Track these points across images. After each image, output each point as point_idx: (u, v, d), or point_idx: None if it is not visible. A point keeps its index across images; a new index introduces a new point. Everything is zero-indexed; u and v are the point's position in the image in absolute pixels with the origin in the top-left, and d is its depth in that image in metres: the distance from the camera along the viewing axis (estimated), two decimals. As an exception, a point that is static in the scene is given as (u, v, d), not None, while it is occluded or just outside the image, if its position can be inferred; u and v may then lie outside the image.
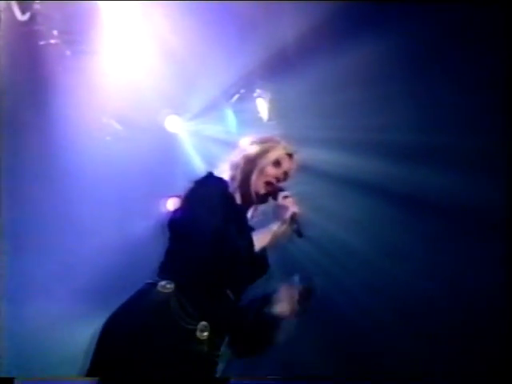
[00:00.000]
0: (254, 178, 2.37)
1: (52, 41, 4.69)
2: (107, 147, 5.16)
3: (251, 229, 2.38)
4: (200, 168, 4.98)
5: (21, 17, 4.41)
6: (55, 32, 4.68)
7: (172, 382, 2.10)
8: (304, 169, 2.54)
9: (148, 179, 5.24)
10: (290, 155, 2.46)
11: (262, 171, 2.38)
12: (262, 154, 2.41)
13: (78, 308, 4.82)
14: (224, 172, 2.43)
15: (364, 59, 4.56)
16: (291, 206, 2.32)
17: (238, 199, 2.40)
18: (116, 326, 2.16)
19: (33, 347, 4.57)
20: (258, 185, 2.38)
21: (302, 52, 4.78)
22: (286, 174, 2.44)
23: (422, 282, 4.87)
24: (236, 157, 2.46)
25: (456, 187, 4.63)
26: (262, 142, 2.47)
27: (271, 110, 5.37)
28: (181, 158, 5.56)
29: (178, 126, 5.60)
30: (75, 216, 5.09)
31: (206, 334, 2.15)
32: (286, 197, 2.36)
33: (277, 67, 4.96)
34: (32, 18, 4.51)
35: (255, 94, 5.42)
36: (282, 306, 2.29)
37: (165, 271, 2.23)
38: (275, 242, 2.32)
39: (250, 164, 2.40)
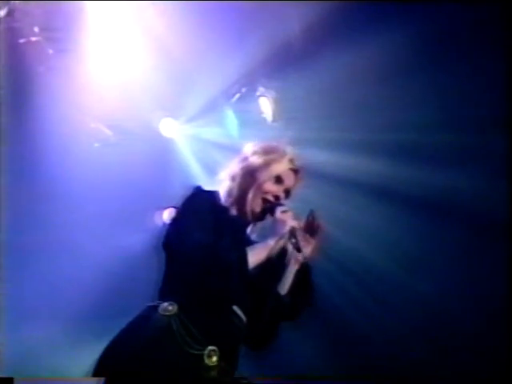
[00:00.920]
0: (250, 195, 2.31)
1: (33, 38, 4.57)
2: (96, 155, 5.08)
3: (249, 241, 2.36)
4: (199, 176, 5.15)
5: (-3, 13, 4.41)
6: (36, 29, 4.56)
7: None
8: (311, 172, 2.51)
9: (141, 189, 5.17)
10: (295, 171, 2.39)
11: (260, 187, 2.32)
12: (262, 167, 2.35)
13: (70, 332, 4.79)
14: (223, 181, 2.40)
15: (375, 55, 4.49)
16: (289, 221, 2.28)
17: (235, 211, 2.37)
18: (117, 356, 2.10)
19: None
20: (254, 202, 2.32)
21: (308, 46, 4.65)
22: (287, 192, 2.37)
23: (421, 282, 4.83)
24: (235, 166, 2.40)
25: (456, 187, 4.58)
26: (265, 152, 2.39)
27: (276, 110, 5.23)
28: (177, 165, 5.50)
29: (173, 130, 5.56)
30: (63, 230, 4.97)
31: (215, 359, 2.11)
32: (284, 211, 2.31)
33: (281, 63, 4.83)
34: (10, 14, 4.39)
35: (258, 93, 5.26)
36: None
37: (165, 293, 2.22)
38: (273, 257, 2.27)
39: (248, 178, 2.34)
